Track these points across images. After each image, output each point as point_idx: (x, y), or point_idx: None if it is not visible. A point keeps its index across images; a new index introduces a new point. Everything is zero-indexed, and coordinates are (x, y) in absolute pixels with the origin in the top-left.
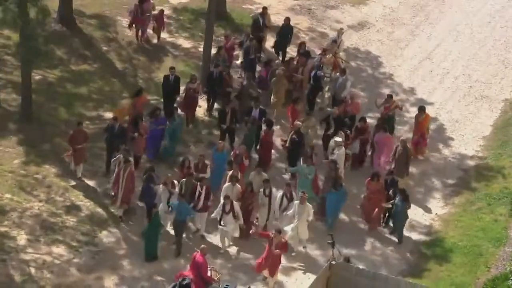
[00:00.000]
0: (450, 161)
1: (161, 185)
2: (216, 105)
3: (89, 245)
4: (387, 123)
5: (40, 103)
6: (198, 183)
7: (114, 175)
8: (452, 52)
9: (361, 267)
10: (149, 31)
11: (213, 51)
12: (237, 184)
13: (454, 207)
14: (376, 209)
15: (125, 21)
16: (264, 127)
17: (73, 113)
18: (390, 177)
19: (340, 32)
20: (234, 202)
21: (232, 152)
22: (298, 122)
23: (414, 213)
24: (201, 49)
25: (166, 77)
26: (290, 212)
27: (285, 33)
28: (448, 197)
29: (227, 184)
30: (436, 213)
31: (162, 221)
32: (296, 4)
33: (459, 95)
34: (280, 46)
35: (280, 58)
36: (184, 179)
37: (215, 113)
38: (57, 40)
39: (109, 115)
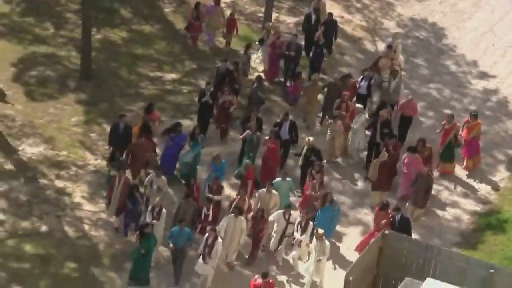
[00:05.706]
0: (511, 134)
1: (149, 209)
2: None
3: None
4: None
5: (100, 62)
6: (205, 205)
7: (109, 183)
8: None
9: (414, 238)
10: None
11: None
12: (240, 216)
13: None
14: None
15: None
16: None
17: (133, 72)
18: (398, 213)
19: (396, 36)
20: (218, 240)
21: (247, 169)
22: (310, 139)
23: (471, 184)
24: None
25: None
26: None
27: (329, 29)
28: (505, 171)
29: (229, 215)
30: (491, 187)
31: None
32: None
33: None
34: (325, 43)
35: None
36: (182, 201)
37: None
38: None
39: (168, 76)
